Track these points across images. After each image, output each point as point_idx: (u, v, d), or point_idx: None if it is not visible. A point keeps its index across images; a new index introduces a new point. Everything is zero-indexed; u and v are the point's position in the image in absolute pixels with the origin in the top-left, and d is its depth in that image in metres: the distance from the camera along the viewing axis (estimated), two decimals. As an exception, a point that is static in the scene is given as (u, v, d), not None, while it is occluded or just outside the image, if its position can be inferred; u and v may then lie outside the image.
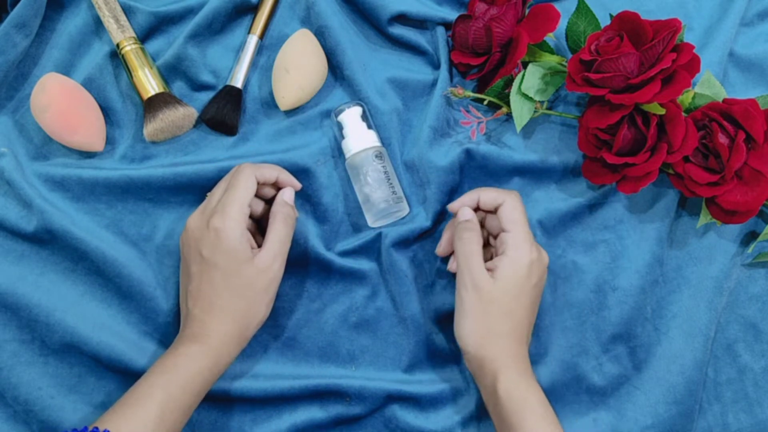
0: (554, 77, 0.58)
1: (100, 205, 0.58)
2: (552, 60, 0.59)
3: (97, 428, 0.45)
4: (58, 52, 0.61)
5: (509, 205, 0.53)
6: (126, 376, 0.56)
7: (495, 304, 0.51)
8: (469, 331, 0.52)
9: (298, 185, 0.57)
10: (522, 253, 0.52)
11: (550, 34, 0.62)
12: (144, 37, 0.62)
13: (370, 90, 0.60)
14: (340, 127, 0.59)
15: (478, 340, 0.51)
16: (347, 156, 0.58)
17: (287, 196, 0.56)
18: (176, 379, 0.48)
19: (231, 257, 0.51)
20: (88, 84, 0.60)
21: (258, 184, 0.54)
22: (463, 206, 0.55)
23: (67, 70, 0.61)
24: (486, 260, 0.53)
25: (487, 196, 0.55)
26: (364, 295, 0.58)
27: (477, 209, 0.56)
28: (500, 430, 0.50)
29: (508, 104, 0.59)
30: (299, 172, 0.58)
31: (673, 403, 0.57)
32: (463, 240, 0.53)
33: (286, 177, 0.56)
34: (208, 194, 0.55)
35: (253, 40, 0.61)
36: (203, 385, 0.50)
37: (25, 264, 0.57)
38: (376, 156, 0.57)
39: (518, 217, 0.53)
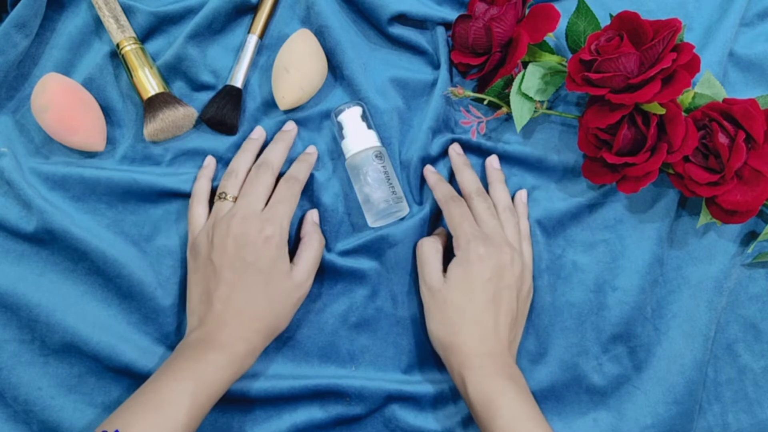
0: (554, 77, 0.58)
1: (100, 205, 0.58)
2: (552, 60, 0.59)
3: (117, 430, 0.45)
4: (58, 52, 0.61)
5: (445, 214, 0.56)
6: (126, 376, 0.56)
7: (448, 302, 0.53)
8: (433, 332, 0.54)
9: (314, 151, 0.60)
10: (463, 251, 0.53)
11: (550, 34, 0.62)
12: (144, 37, 0.62)
13: (370, 90, 0.60)
14: (339, 127, 0.59)
15: (442, 342, 0.53)
16: (347, 156, 0.58)
17: (315, 216, 0.58)
18: (204, 388, 0.48)
19: (275, 267, 0.52)
20: (89, 84, 0.60)
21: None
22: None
23: (67, 70, 0.61)
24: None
25: (435, 195, 0.58)
26: (364, 295, 0.58)
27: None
28: (480, 428, 0.51)
29: (508, 104, 0.59)
30: (299, 172, 0.59)
31: (673, 403, 0.57)
32: (418, 247, 0.57)
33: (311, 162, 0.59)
34: (224, 196, 0.55)
35: (253, 40, 0.61)
36: (222, 393, 0.50)
37: (25, 264, 0.57)
38: (376, 156, 0.57)
39: (452, 221, 0.55)
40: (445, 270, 0.55)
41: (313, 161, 0.59)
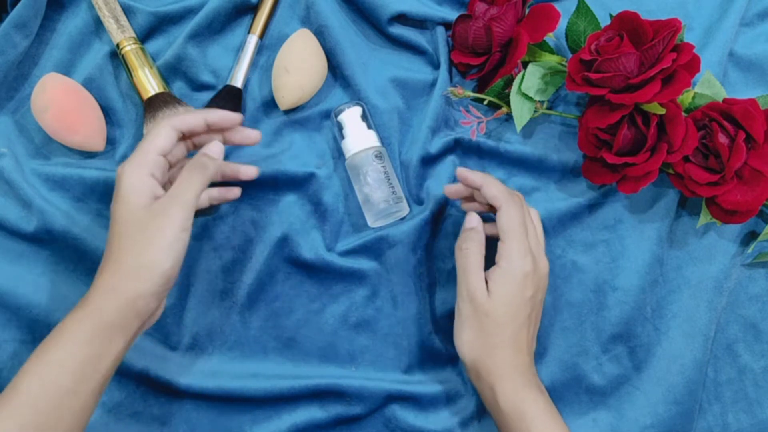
0: (554, 77, 0.58)
1: (100, 206, 0.58)
2: (552, 60, 0.59)
3: None
4: (58, 52, 0.61)
5: (504, 214, 0.51)
6: (125, 376, 0.55)
7: (490, 316, 0.50)
8: (466, 341, 0.52)
9: (237, 118, 0.52)
10: (514, 267, 0.50)
11: (550, 34, 0.62)
12: (144, 37, 0.62)
13: (370, 90, 0.60)
14: (339, 127, 0.59)
15: (475, 352, 0.51)
16: (347, 156, 0.58)
17: (210, 148, 0.50)
18: (51, 358, 0.42)
19: (127, 204, 0.46)
20: (88, 84, 0.60)
21: (183, 135, 0.50)
22: (470, 212, 0.54)
23: (67, 70, 0.61)
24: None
25: (488, 192, 0.52)
26: (364, 295, 0.58)
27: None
28: None
29: (508, 104, 0.59)
30: (299, 172, 0.58)
31: (673, 403, 0.57)
32: (462, 251, 0.52)
33: (215, 116, 0.51)
34: None
35: (253, 40, 0.61)
36: (85, 360, 0.43)
37: (25, 264, 0.57)
38: (376, 156, 0.57)
39: (513, 226, 0.51)
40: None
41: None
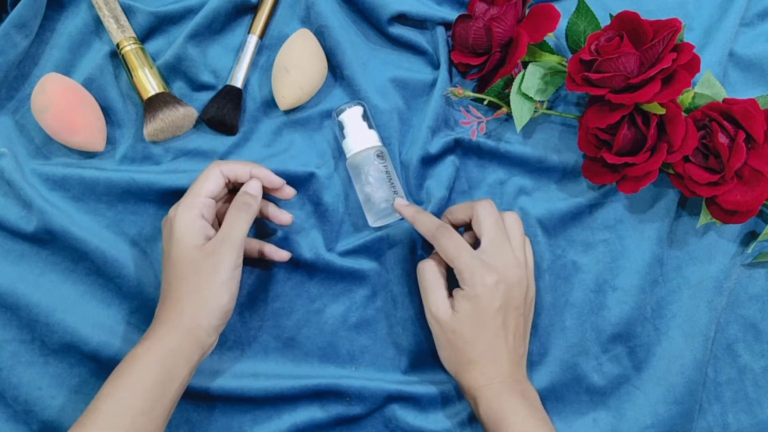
0: (554, 77, 0.58)
1: (100, 205, 0.58)
2: (552, 60, 0.59)
3: None
4: (58, 52, 0.61)
5: (440, 247, 0.52)
6: (126, 376, 0.56)
7: (457, 334, 0.51)
8: (444, 358, 0.53)
9: (278, 182, 0.55)
10: (471, 287, 0.50)
11: (550, 34, 0.62)
12: (144, 37, 0.62)
13: (370, 90, 0.60)
14: (341, 126, 0.59)
15: (453, 368, 0.53)
16: (348, 156, 0.58)
17: (250, 187, 0.53)
18: (125, 381, 0.47)
19: (181, 245, 0.50)
20: (89, 84, 0.60)
21: (229, 180, 0.53)
22: None
23: (67, 70, 0.61)
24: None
25: (419, 229, 0.53)
26: (364, 295, 0.58)
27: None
28: None
29: (508, 104, 0.59)
30: (299, 171, 0.58)
31: (673, 403, 0.57)
32: (419, 272, 0.54)
33: (261, 173, 0.54)
34: None
35: (253, 40, 0.61)
36: (155, 384, 0.47)
37: (25, 264, 0.57)
38: (378, 155, 0.57)
39: (452, 254, 0.51)
40: (450, 291, 0.53)
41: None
